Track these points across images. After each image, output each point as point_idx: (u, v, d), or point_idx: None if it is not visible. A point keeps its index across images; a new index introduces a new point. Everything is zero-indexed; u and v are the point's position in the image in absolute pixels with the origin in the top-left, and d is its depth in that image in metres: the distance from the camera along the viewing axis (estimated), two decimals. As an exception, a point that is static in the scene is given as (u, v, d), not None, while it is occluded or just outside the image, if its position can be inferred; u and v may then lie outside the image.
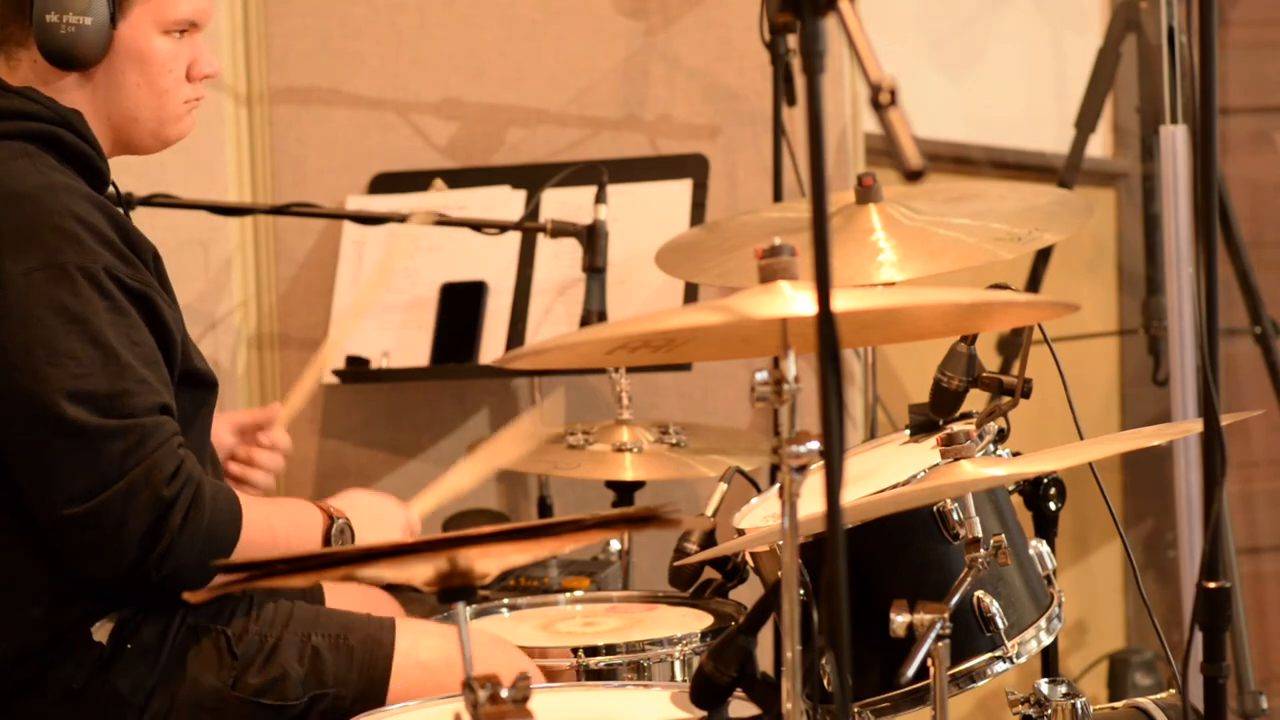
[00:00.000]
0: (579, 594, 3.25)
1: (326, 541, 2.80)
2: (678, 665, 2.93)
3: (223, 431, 3.10)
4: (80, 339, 2.60)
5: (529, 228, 3.83)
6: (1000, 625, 2.67)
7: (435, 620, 3.02)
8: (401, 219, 3.82)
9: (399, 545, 2.02)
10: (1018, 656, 2.70)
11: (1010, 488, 2.85)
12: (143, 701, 2.69)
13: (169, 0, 2.78)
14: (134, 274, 2.67)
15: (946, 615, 2.45)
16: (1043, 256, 4.53)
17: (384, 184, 4.12)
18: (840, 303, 1.96)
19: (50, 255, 2.62)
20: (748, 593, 2.91)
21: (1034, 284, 4.52)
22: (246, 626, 2.76)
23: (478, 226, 3.84)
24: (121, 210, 2.78)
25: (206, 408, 2.84)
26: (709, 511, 3.08)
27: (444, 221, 3.81)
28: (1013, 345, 4.51)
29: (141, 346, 2.65)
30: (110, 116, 2.80)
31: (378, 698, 2.75)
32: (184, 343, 2.75)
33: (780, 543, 2.37)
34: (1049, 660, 2.92)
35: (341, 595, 3.12)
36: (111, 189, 2.85)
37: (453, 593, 2.04)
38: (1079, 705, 2.72)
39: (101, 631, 2.69)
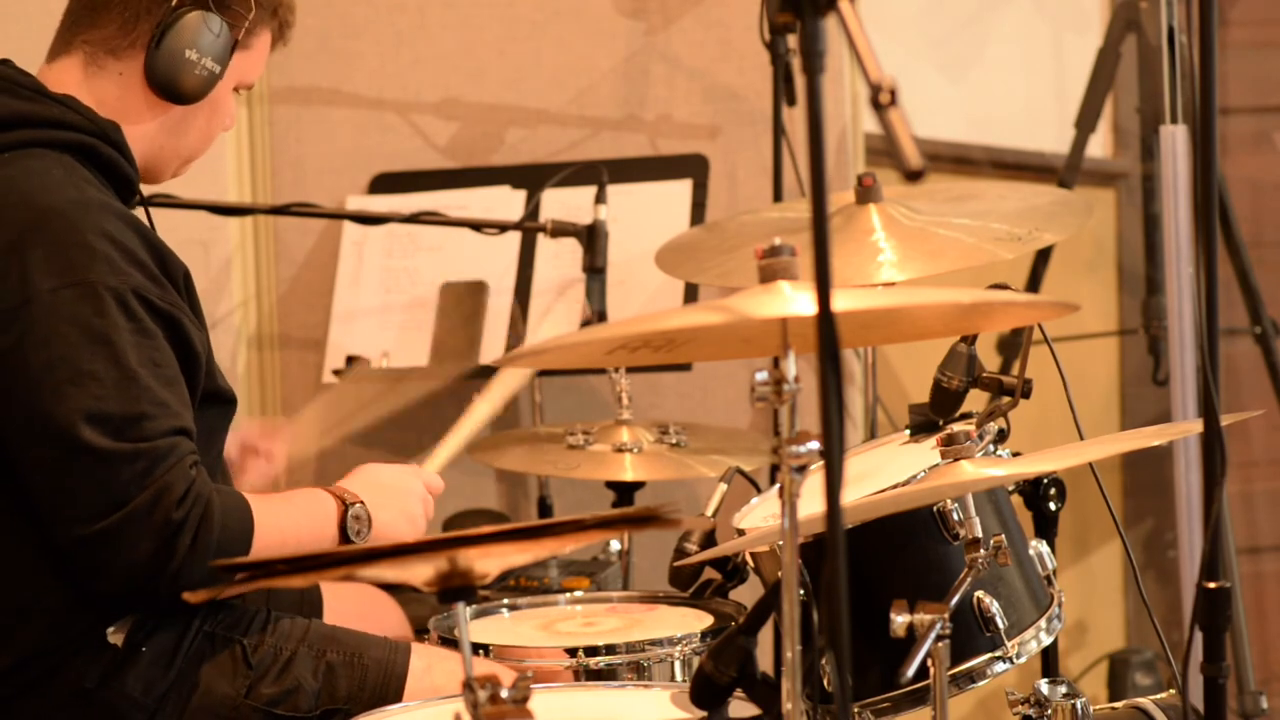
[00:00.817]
0: (579, 594, 3.25)
1: (342, 528, 2.79)
2: (678, 665, 2.93)
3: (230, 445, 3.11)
4: (103, 359, 2.60)
5: (529, 228, 3.83)
6: (1000, 625, 2.67)
7: (436, 620, 3.02)
8: (402, 219, 3.83)
9: (399, 546, 2.02)
10: (1018, 656, 2.70)
11: (1010, 488, 2.85)
12: (155, 704, 2.69)
13: (255, 64, 2.89)
14: (163, 295, 2.67)
15: (946, 615, 2.44)
16: (1043, 256, 4.53)
17: (384, 184, 4.12)
18: (840, 303, 1.96)
19: (79, 273, 2.62)
20: (748, 593, 2.91)
21: (1034, 284, 4.52)
22: (262, 638, 2.77)
23: (478, 226, 3.84)
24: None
25: (225, 421, 2.86)
26: (709, 511, 3.08)
27: (444, 221, 3.81)
28: (1013, 345, 4.51)
29: (163, 368, 2.65)
30: (163, 148, 2.85)
31: None
32: (209, 363, 2.76)
33: (780, 543, 2.36)
34: (1049, 660, 2.92)
35: (340, 595, 3.12)
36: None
37: (453, 593, 2.05)
38: (1079, 705, 2.72)
39: (117, 634, 2.69)
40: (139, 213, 2.82)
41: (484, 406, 3.15)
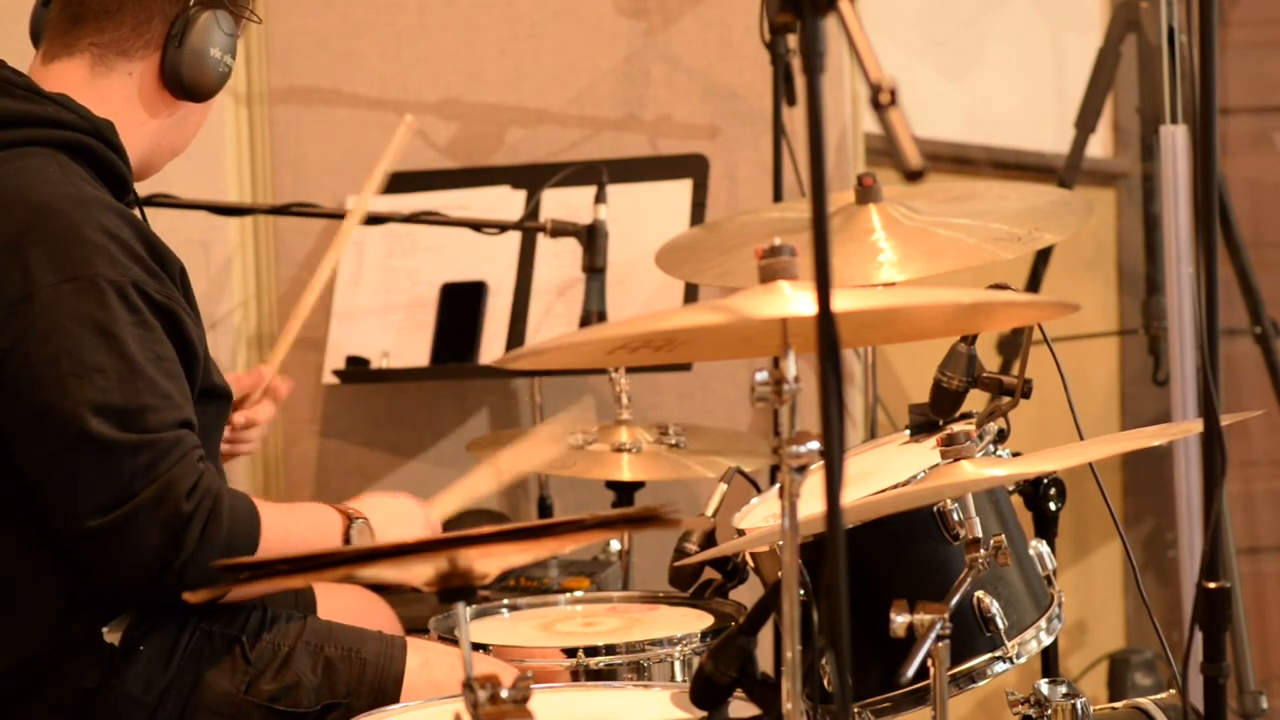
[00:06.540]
0: (579, 594, 3.25)
1: (346, 543, 2.80)
2: (678, 665, 2.93)
3: None
4: (106, 352, 2.60)
5: (529, 228, 3.83)
6: (1000, 625, 2.67)
7: (436, 620, 3.02)
8: (402, 219, 3.83)
9: (399, 545, 2.02)
10: (1018, 657, 2.69)
11: (1010, 488, 2.85)
12: (155, 702, 2.69)
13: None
14: (161, 289, 2.68)
15: (946, 615, 2.44)
16: (1043, 256, 4.54)
17: (384, 184, 4.11)
18: (840, 303, 1.96)
19: (79, 268, 2.62)
20: (748, 593, 2.91)
21: (1034, 284, 4.53)
22: (260, 634, 2.77)
23: (478, 226, 3.84)
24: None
25: (221, 419, 2.87)
26: (709, 512, 3.08)
27: (444, 221, 3.81)
28: (1013, 345, 4.51)
29: (165, 361, 2.66)
30: (161, 144, 2.88)
31: None
32: (206, 358, 2.77)
33: (780, 543, 2.36)
34: (1049, 660, 2.92)
35: (332, 598, 3.12)
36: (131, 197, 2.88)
37: (453, 593, 2.04)
38: (1079, 705, 2.71)
39: (114, 633, 2.69)
40: (135, 211, 2.83)
41: (505, 466, 3.17)
